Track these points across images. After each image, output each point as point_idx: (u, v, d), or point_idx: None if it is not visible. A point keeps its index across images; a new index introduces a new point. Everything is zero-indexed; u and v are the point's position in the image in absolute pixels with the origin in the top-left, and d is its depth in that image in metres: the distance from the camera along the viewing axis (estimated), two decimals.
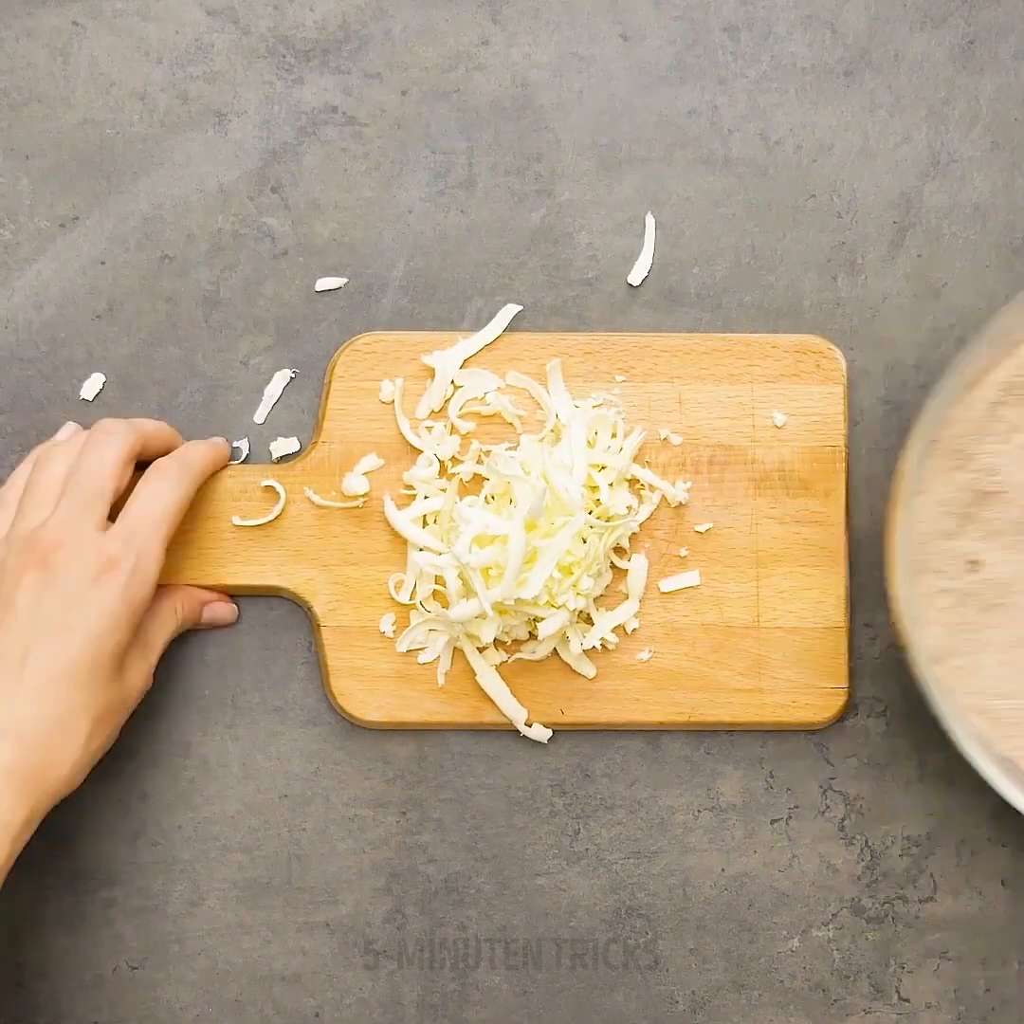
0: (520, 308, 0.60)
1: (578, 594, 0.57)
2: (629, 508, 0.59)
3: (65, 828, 0.60)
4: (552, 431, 0.59)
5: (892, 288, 0.62)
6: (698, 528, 0.60)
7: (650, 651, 0.60)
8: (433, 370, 0.59)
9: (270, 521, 0.59)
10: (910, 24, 0.62)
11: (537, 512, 0.55)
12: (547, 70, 0.62)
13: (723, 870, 0.61)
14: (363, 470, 0.59)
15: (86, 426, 0.59)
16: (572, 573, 0.57)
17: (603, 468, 0.59)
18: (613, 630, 0.60)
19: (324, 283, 0.61)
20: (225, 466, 0.60)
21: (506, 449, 0.59)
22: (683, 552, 0.60)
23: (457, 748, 0.61)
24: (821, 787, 0.61)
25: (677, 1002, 0.61)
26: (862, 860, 0.61)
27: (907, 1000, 0.61)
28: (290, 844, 0.61)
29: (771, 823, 0.61)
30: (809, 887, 0.61)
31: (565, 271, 0.62)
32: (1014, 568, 0.54)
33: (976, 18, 0.62)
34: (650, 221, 0.62)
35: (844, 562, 0.60)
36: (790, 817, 0.61)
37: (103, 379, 0.61)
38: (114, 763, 0.59)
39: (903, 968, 0.61)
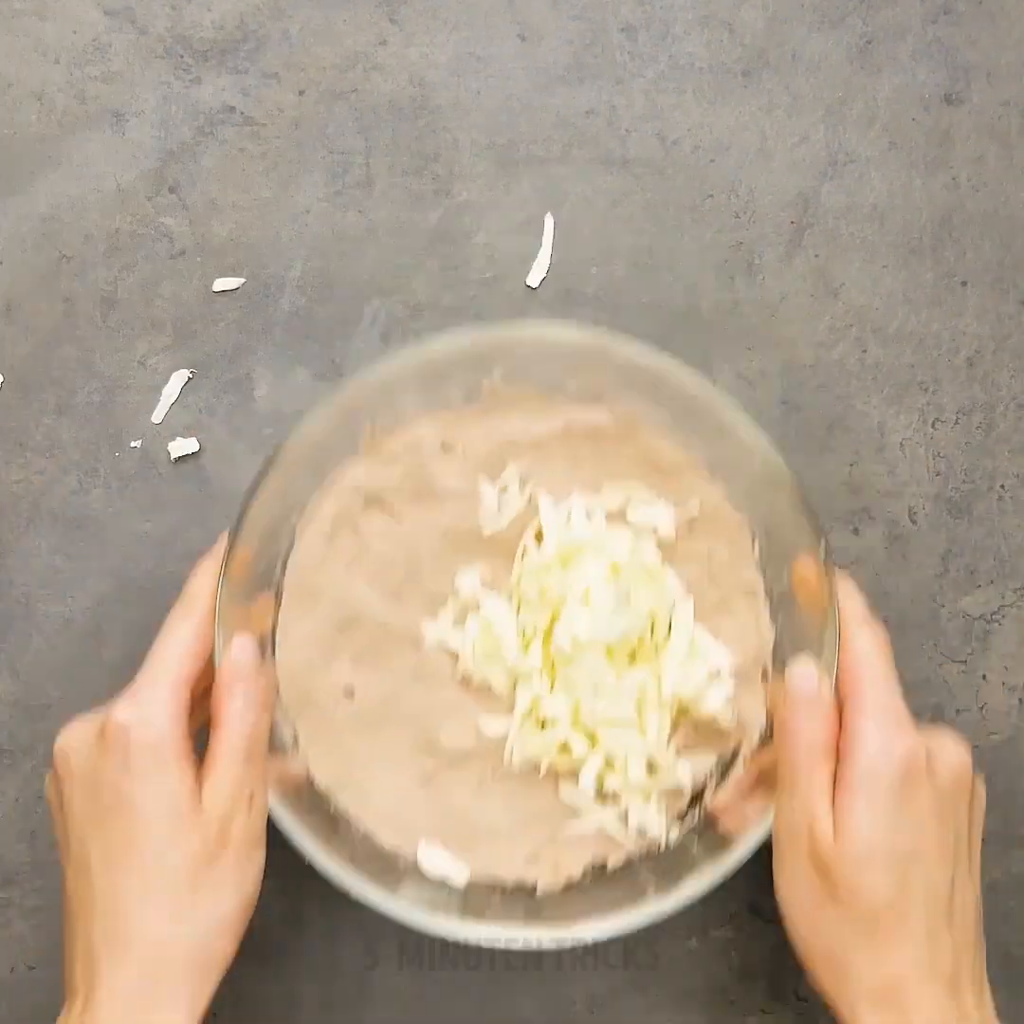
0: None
1: None
2: None
3: None
4: None
5: (790, 288, 0.62)
6: None
7: None
8: None
9: None
10: (808, 24, 0.62)
11: None
12: (445, 70, 0.61)
13: None
14: None
15: None
16: None
17: None
18: None
19: (221, 283, 0.61)
20: None
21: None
22: None
23: None
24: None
25: (575, 1003, 0.61)
26: (755, 860, 0.61)
27: (805, 1000, 0.61)
28: None
29: None
30: None
31: (463, 271, 0.62)
32: (383, 689, 0.55)
33: (874, 18, 0.62)
34: (548, 221, 0.62)
35: None
36: None
37: (1, 379, 0.61)
38: (11, 763, 0.59)
39: (799, 968, 0.61)
